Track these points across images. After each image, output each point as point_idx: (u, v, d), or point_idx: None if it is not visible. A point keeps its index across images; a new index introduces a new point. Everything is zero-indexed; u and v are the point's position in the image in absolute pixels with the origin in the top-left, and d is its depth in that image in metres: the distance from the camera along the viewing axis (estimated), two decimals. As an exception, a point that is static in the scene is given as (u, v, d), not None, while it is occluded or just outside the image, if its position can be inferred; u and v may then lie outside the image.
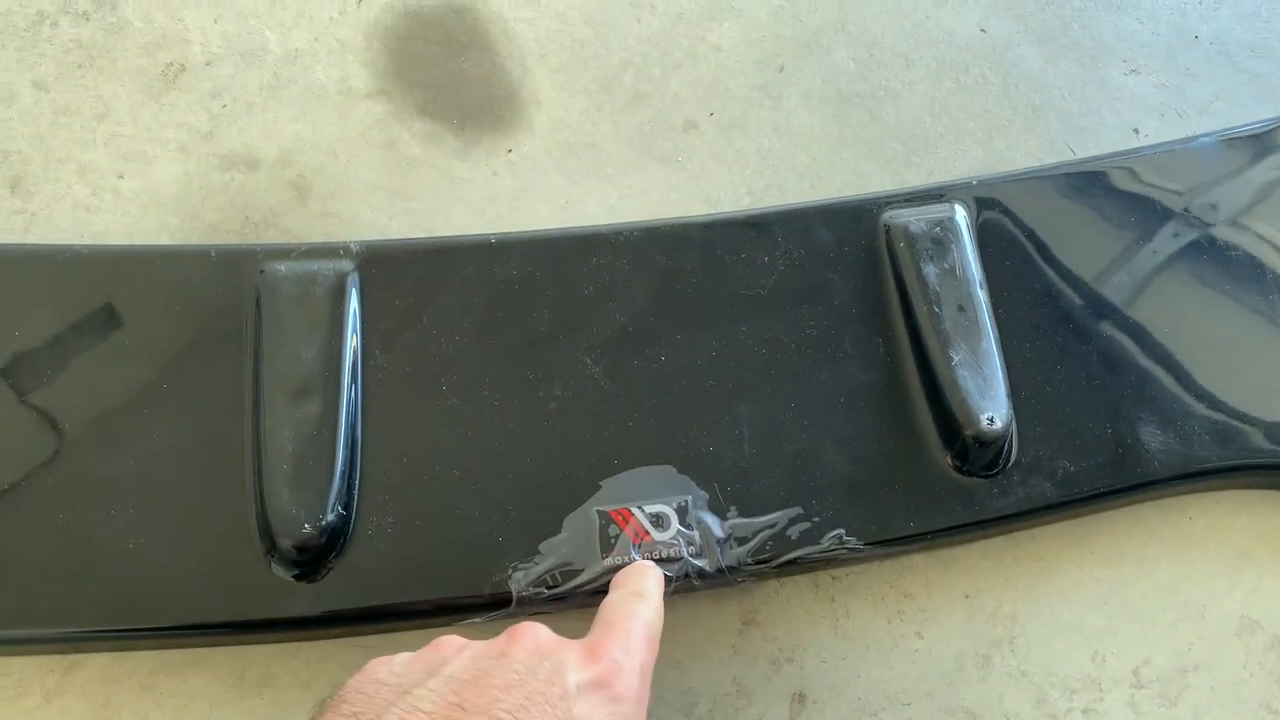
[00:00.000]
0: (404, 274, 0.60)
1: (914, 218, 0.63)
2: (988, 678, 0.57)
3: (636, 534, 0.54)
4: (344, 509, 0.53)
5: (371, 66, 0.70)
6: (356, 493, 0.54)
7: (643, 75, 0.72)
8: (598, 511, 0.55)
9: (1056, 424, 0.59)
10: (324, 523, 0.52)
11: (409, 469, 0.55)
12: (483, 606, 0.53)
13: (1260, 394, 0.62)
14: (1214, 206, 0.67)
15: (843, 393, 0.59)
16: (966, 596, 0.59)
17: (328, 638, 0.55)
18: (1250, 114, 0.74)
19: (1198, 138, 0.70)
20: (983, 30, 0.77)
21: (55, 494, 0.53)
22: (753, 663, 0.57)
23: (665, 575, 0.53)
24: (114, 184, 0.65)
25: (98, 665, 0.53)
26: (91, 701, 0.53)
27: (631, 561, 0.54)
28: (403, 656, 0.44)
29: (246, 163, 0.66)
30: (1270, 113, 0.73)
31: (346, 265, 0.59)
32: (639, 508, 0.55)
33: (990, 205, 0.65)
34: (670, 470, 0.57)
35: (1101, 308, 0.63)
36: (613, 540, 0.54)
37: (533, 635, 0.45)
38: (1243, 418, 0.61)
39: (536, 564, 0.54)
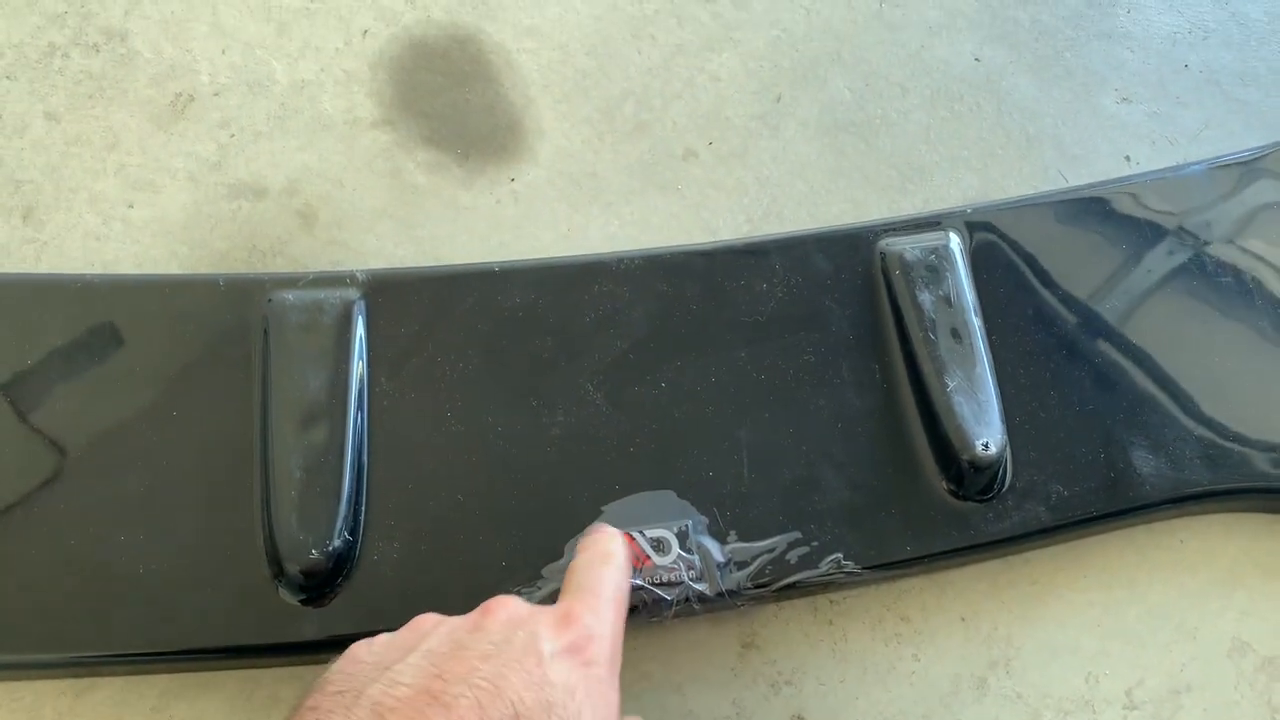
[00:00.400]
0: (409, 302, 0.61)
1: (909, 245, 0.64)
2: (983, 699, 0.58)
3: (637, 558, 0.55)
4: (350, 534, 0.54)
5: (377, 97, 0.71)
6: (363, 518, 0.55)
7: (643, 105, 0.73)
8: (598, 536, 0.56)
9: (1050, 449, 0.61)
10: (331, 548, 0.53)
11: (414, 494, 0.56)
12: (487, 630, 0.54)
13: (1251, 418, 0.63)
14: (1204, 232, 0.68)
15: (840, 418, 0.60)
16: (962, 619, 0.60)
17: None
18: (1240, 141, 0.76)
19: (1188, 165, 0.71)
20: (977, 60, 0.78)
21: (66, 519, 0.54)
22: (752, 685, 0.58)
23: (665, 599, 0.54)
24: (124, 213, 0.66)
25: (109, 689, 0.54)
26: (102, 725, 0.54)
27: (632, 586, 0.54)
28: (383, 637, 0.45)
29: (254, 192, 0.67)
30: (1259, 140, 0.74)
31: (353, 293, 0.60)
32: (640, 532, 0.56)
33: (985, 232, 0.66)
34: (671, 495, 0.58)
35: (1094, 333, 0.64)
36: (614, 564, 0.55)
37: (506, 607, 0.46)
38: (1234, 441, 0.62)
39: (539, 588, 0.55)
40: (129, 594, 0.53)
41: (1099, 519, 0.60)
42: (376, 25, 0.73)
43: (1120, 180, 0.70)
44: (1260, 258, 0.68)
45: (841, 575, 0.57)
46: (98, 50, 0.70)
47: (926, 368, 0.60)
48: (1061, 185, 0.73)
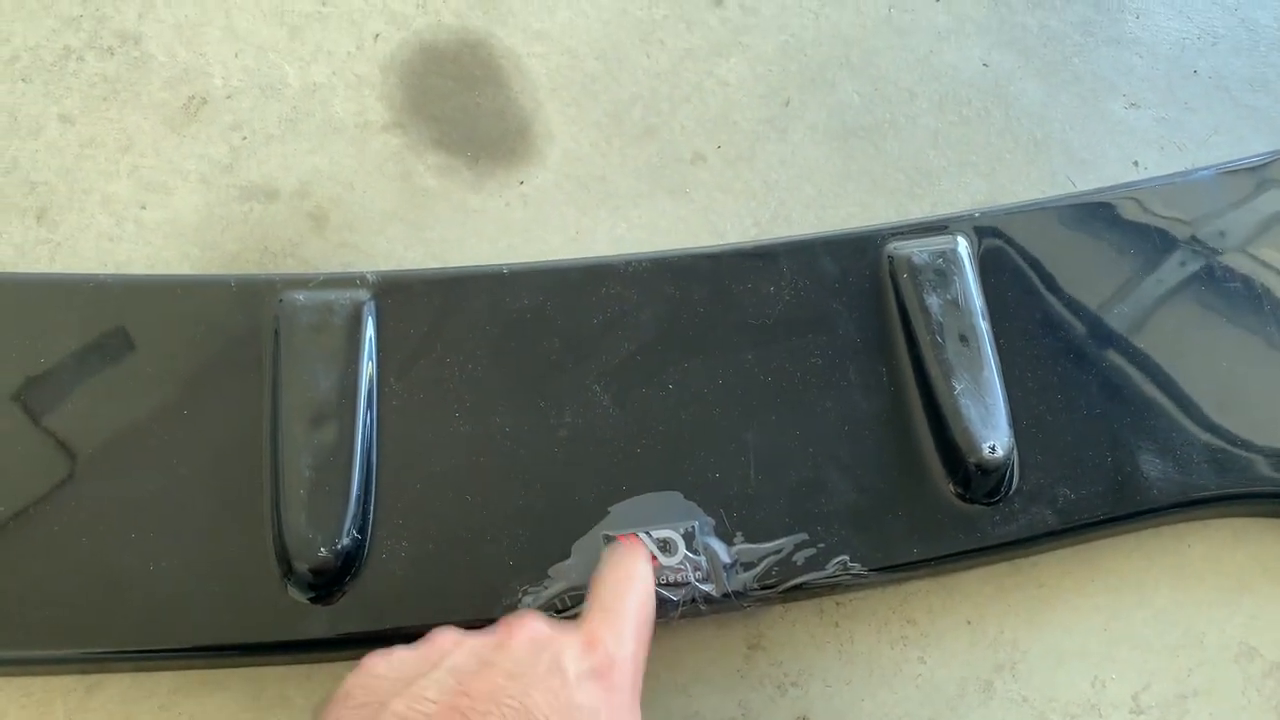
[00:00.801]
0: (419, 303, 0.61)
1: (917, 249, 0.64)
2: (989, 703, 0.58)
3: (644, 559, 0.55)
4: (359, 533, 0.54)
5: (388, 100, 0.72)
6: (371, 517, 0.56)
7: (652, 109, 0.74)
8: (605, 536, 0.56)
9: (1057, 452, 0.61)
10: (339, 546, 0.53)
11: (422, 494, 0.57)
12: (494, 629, 0.54)
13: (1259, 423, 0.63)
14: (1213, 238, 0.68)
15: (847, 421, 0.60)
16: (969, 622, 0.60)
17: (342, 660, 0.56)
18: (1249, 147, 0.76)
19: (1197, 170, 0.71)
20: (985, 65, 0.78)
21: (76, 517, 0.54)
22: (758, 687, 0.58)
23: (671, 600, 0.55)
24: (137, 214, 0.66)
25: (118, 686, 0.55)
26: (112, 721, 0.54)
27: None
28: (400, 650, 0.45)
29: (266, 194, 0.68)
30: (1268, 146, 0.75)
31: (363, 295, 0.60)
32: (646, 533, 0.56)
33: (992, 237, 0.66)
34: (677, 496, 0.58)
35: (1102, 338, 0.64)
36: (621, 565, 0.55)
37: (529, 626, 0.46)
38: (1242, 446, 0.62)
39: (546, 588, 0.55)
40: (138, 591, 0.53)
41: (1106, 523, 0.60)
42: (388, 29, 0.74)
43: (1128, 185, 0.70)
44: (1268, 263, 0.68)
45: (848, 577, 0.57)
46: (112, 53, 0.71)
47: (934, 371, 0.60)
48: (1069, 190, 0.74)
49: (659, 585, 0.55)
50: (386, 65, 0.73)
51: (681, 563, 0.56)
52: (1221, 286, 0.66)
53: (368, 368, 0.58)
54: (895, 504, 0.59)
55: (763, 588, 0.56)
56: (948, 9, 0.80)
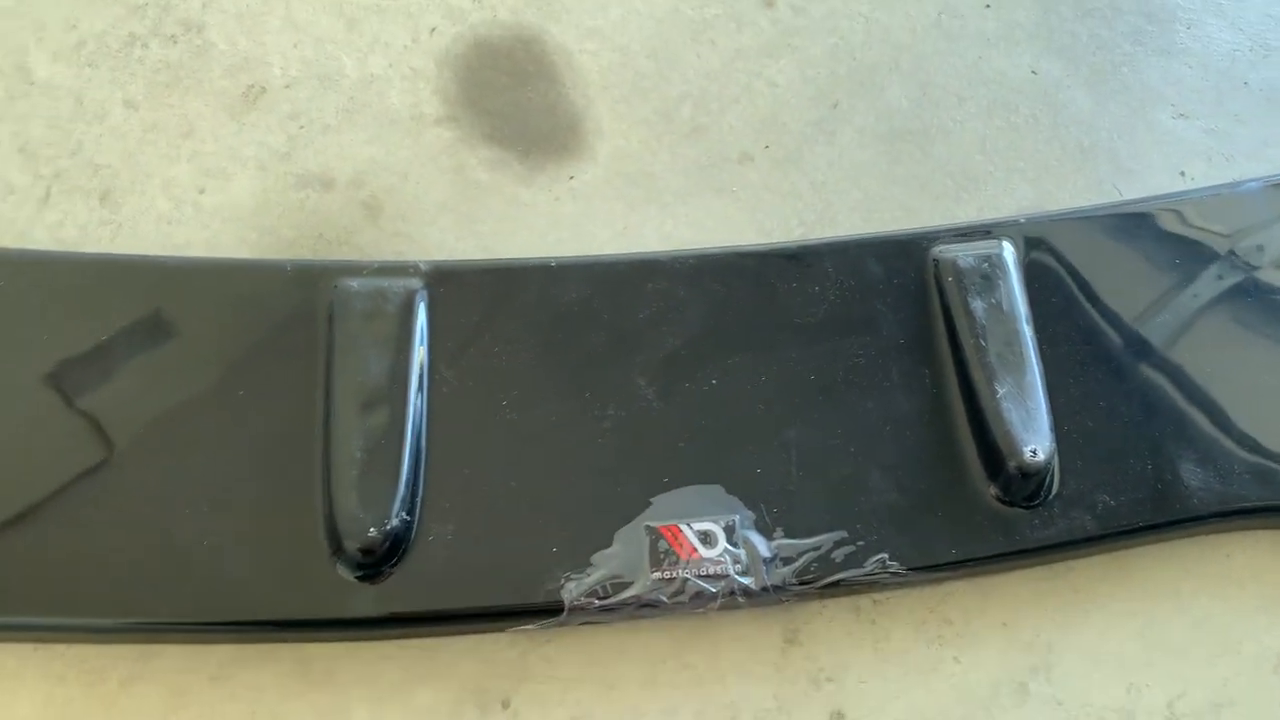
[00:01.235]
0: (469, 293, 0.62)
1: (963, 253, 0.65)
2: (1023, 704, 0.59)
3: (685, 550, 0.56)
4: (408, 515, 0.56)
5: (442, 94, 0.73)
6: (420, 500, 0.57)
7: (701, 108, 0.75)
8: (647, 527, 0.57)
9: (1098, 459, 0.61)
10: (388, 527, 0.55)
11: (469, 479, 0.58)
12: (536, 613, 0.55)
13: (1302, 436, 0.63)
14: (1259, 250, 0.68)
15: (889, 421, 0.61)
16: (1004, 624, 0.61)
17: (387, 638, 0.57)
18: (1299, 160, 0.76)
19: (1244, 182, 0.71)
20: (1034, 72, 0.78)
21: (134, 492, 0.56)
22: (794, 680, 0.59)
23: (710, 591, 0.55)
24: (195, 198, 0.68)
25: (172, 656, 0.56)
26: (167, 690, 0.55)
27: (679, 578, 0.55)
28: None
29: (322, 182, 0.69)
30: (1318, 160, 0.74)
31: (415, 283, 0.61)
32: (688, 525, 0.57)
33: (1038, 243, 0.66)
34: (719, 490, 0.59)
35: (1144, 346, 0.64)
36: (662, 555, 0.56)
37: None
38: (1283, 459, 0.62)
39: (588, 575, 0.56)
40: (193, 566, 0.55)
41: (1145, 530, 0.61)
42: (444, 23, 0.75)
43: (1175, 195, 0.70)
44: (1316, 276, 0.68)
45: (886, 575, 0.57)
46: (175, 41, 0.73)
47: (977, 374, 0.61)
48: (1115, 198, 0.74)
49: (698, 577, 0.56)
50: (442, 59, 0.74)
51: (721, 555, 0.57)
52: (1267, 298, 0.66)
53: (419, 354, 0.60)
54: (935, 505, 0.59)
55: (801, 583, 0.57)
56: (997, 16, 0.81)
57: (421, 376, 0.59)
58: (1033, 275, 0.65)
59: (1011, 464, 0.58)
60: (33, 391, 0.57)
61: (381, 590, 0.55)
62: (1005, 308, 0.63)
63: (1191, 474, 0.61)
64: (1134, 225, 0.68)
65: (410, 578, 0.55)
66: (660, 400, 0.61)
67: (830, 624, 0.60)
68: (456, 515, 0.57)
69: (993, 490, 0.59)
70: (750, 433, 0.60)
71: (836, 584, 0.57)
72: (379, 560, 0.55)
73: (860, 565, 0.57)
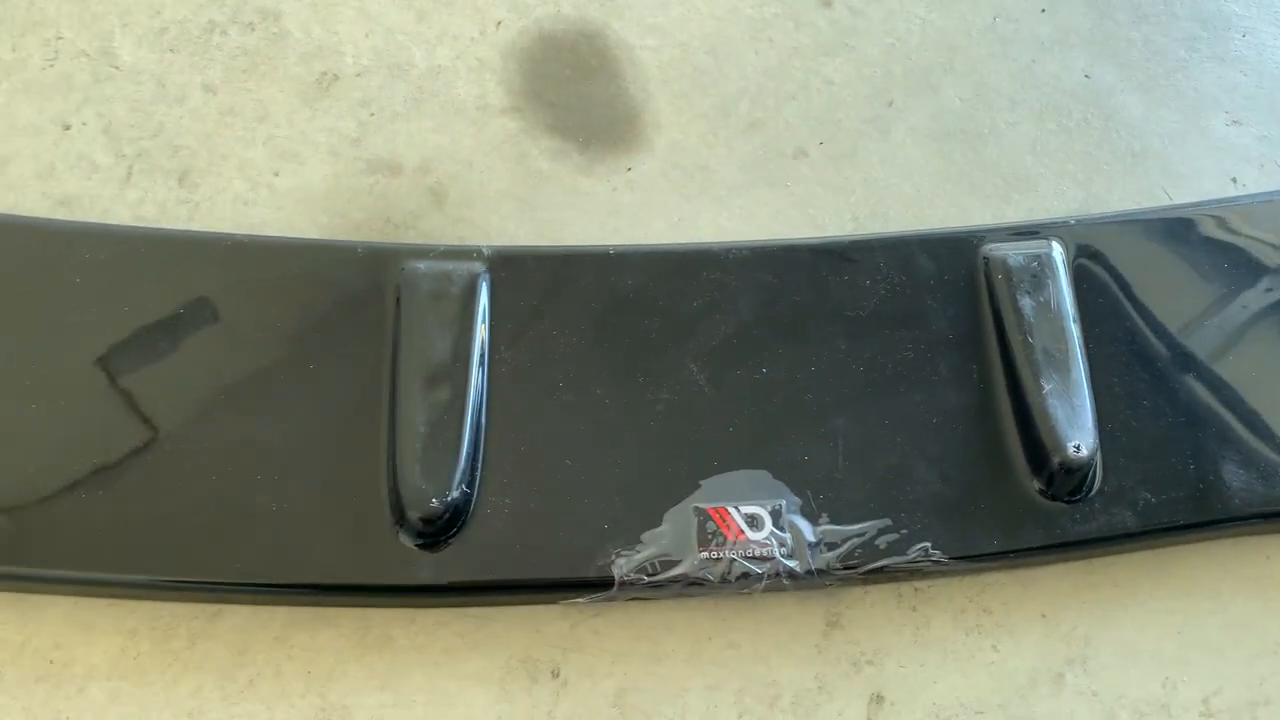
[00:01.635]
0: (530, 278, 0.64)
1: (1013, 252, 0.66)
2: (1060, 694, 0.60)
3: (732, 532, 0.58)
4: (468, 487, 0.58)
5: (507, 85, 0.75)
6: (479, 474, 0.59)
7: (758, 104, 0.76)
8: (696, 509, 0.59)
9: (1141, 457, 0.62)
10: (449, 498, 0.57)
11: (527, 456, 0.60)
12: (587, 586, 0.57)
13: (1347, 442, 0.64)
14: (1309, 258, 0.68)
15: (935, 414, 0.62)
16: (1043, 616, 0.62)
17: (443, 606, 0.60)
18: (1354, 170, 0.76)
19: (1297, 190, 0.72)
20: (1087, 76, 0.79)
21: (208, 457, 0.59)
22: (835, 662, 0.60)
23: (755, 573, 0.57)
24: (270, 180, 0.71)
25: (238, 616, 0.59)
26: (230, 648, 0.58)
27: (726, 558, 0.57)
28: None
29: (390, 168, 0.72)
30: (1372, 169, 0.75)
31: (478, 267, 0.64)
32: (735, 507, 0.59)
33: (1087, 244, 0.67)
34: (766, 475, 0.60)
35: (1189, 349, 0.65)
36: (710, 536, 0.58)
37: None
38: (1328, 465, 0.63)
39: (638, 552, 0.58)
40: (261, 529, 0.57)
41: (1185, 528, 0.62)
42: (510, 17, 0.78)
43: (1225, 201, 0.71)
44: (1366, 285, 0.68)
45: (928, 564, 0.59)
46: (253, 28, 0.76)
47: (1024, 370, 0.62)
48: (1165, 203, 0.74)
49: (744, 558, 0.57)
50: (507, 51, 0.77)
51: (767, 538, 0.58)
52: (1316, 305, 0.67)
53: (481, 334, 0.62)
54: (978, 496, 0.61)
55: (845, 568, 0.59)
56: (1052, 20, 0.82)
57: (483, 356, 0.61)
58: (1081, 276, 0.66)
59: (1055, 459, 0.60)
60: (117, 359, 0.60)
61: (440, 559, 0.57)
62: (1053, 306, 0.64)
63: (1233, 475, 0.62)
64: (1183, 229, 0.69)
65: (468, 548, 0.58)
66: (711, 386, 0.63)
67: (872, 609, 0.62)
68: (513, 490, 0.59)
69: (1036, 484, 0.61)
70: (798, 421, 0.62)
71: (879, 570, 0.59)
72: (439, 530, 0.57)
73: (903, 553, 0.59)
